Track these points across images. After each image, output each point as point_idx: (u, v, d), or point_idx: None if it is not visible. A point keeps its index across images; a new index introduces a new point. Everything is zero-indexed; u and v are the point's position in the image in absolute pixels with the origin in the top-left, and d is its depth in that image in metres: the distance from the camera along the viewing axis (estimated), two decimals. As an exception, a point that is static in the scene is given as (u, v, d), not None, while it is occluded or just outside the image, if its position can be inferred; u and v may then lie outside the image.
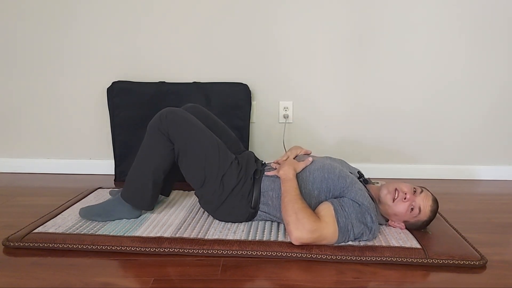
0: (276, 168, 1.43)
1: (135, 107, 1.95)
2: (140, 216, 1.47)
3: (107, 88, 1.96)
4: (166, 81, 1.98)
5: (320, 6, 1.94)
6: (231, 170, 1.38)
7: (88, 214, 1.43)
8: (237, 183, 1.38)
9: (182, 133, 1.37)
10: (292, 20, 1.96)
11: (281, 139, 2.05)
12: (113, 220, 1.43)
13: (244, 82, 1.98)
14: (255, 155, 1.57)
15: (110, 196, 1.66)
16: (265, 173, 1.43)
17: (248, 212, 1.40)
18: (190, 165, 1.40)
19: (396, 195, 1.31)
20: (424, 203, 1.31)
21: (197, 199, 1.53)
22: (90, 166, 2.12)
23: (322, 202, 1.33)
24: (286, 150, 1.95)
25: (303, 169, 1.40)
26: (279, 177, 1.38)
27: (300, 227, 1.21)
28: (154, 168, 1.39)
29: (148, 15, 1.97)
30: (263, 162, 1.54)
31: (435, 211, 1.33)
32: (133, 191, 1.42)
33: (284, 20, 1.96)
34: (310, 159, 1.42)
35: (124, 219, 1.43)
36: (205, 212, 1.52)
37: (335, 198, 1.33)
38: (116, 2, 1.95)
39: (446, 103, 2.05)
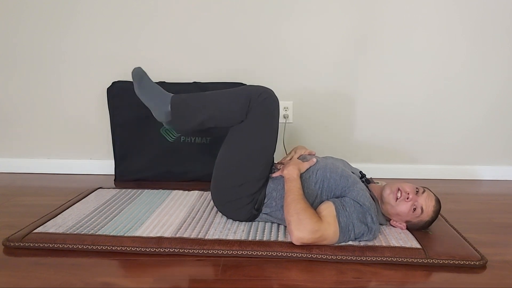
0: (280, 169, 1.43)
1: (135, 107, 1.94)
2: (164, 120, 1.40)
3: (107, 88, 1.96)
4: (166, 81, 1.98)
5: (320, 6, 1.94)
6: (255, 184, 1.38)
7: (137, 75, 1.38)
8: (253, 193, 1.38)
9: (259, 125, 1.35)
10: (293, 20, 1.96)
11: (281, 139, 2.04)
12: (147, 99, 1.38)
13: (243, 82, 1.98)
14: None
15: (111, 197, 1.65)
16: (270, 174, 1.43)
17: (251, 213, 1.40)
18: (234, 148, 1.38)
19: (399, 195, 1.31)
20: (426, 203, 1.31)
21: (199, 198, 1.54)
22: (90, 166, 2.12)
23: (323, 201, 1.33)
24: (286, 150, 1.96)
25: (307, 169, 1.39)
26: (283, 177, 1.39)
27: (302, 227, 1.21)
28: (219, 112, 1.35)
29: (148, 15, 1.96)
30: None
31: (437, 212, 1.33)
32: (185, 107, 1.37)
33: (284, 20, 1.96)
34: (315, 159, 1.42)
35: (125, 217, 1.43)
36: (205, 212, 1.52)
37: (336, 197, 1.33)
38: (116, 2, 1.95)
39: (446, 103, 2.05)
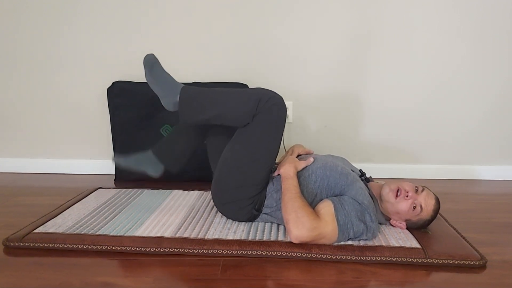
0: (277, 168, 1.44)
1: (135, 107, 1.95)
2: (171, 110, 1.39)
3: (107, 88, 1.96)
4: (166, 81, 1.97)
5: (320, 6, 1.94)
6: (255, 187, 1.38)
7: (149, 62, 1.39)
8: (253, 196, 1.38)
9: (264, 130, 1.34)
10: (293, 20, 1.96)
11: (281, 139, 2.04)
12: (157, 86, 1.38)
13: (244, 82, 1.98)
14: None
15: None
16: (270, 174, 1.43)
17: (251, 214, 1.40)
18: (236, 149, 1.38)
19: (399, 193, 1.31)
20: (426, 201, 1.31)
21: (199, 198, 1.53)
22: (90, 166, 2.12)
23: (322, 200, 1.33)
24: (287, 149, 1.96)
25: (304, 168, 1.40)
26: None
27: (300, 225, 1.21)
28: (227, 112, 1.34)
29: (149, 15, 1.97)
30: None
31: (437, 210, 1.34)
32: (194, 101, 1.36)
33: (284, 20, 1.96)
34: (312, 159, 1.42)
35: (125, 217, 1.43)
36: (205, 212, 1.52)
37: (335, 196, 1.34)
38: (117, 2, 1.95)
39: (446, 103, 2.05)
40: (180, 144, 1.55)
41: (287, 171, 1.35)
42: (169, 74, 1.41)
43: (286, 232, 1.33)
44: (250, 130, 1.34)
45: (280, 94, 1.35)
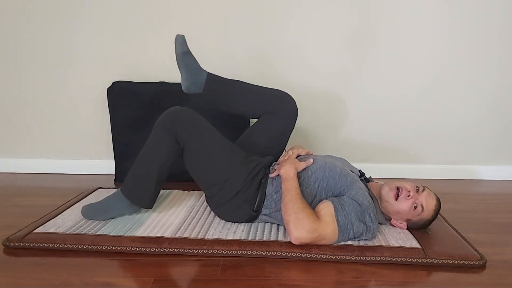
0: (276, 169, 1.43)
1: (135, 107, 1.95)
2: (138, 210, 1.46)
3: (107, 88, 1.96)
4: (166, 81, 1.98)
5: (320, 6, 1.94)
6: (236, 175, 1.37)
7: (88, 213, 1.43)
8: (241, 188, 1.37)
9: (190, 134, 1.36)
10: (292, 20, 1.96)
11: (281, 139, 2.05)
12: (114, 218, 1.43)
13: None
14: (275, 160, 1.56)
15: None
16: (270, 175, 1.43)
17: (249, 215, 1.40)
18: (195, 166, 1.41)
19: (400, 192, 1.31)
20: (427, 201, 1.31)
21: (199, 198, 1.53)
22: (90, 166, 2.12)
23: (322, 200, 1.33)
24: (287, 150, 1.95)
25: (304, 169, 1.39)
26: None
27: (300, 227, 1.21)
28: (159, 165, 1.38)
29: (149, 15, 1.97)
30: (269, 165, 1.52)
31: (438, 210, 1.34)
32: (135, 187, 1.41)
33: (284, 20, 1.96)
34: (311, 160, 1.42)
35: (125, 217, 1.43)
36: (205, 212, 1.52)
37: (335, 196, 1.33)
38: (117, 2, 1.95)
39: (446, 103, 2.05)
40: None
41: (288, 172, 1.35)
42: (101, 199, 1.46)
43: (286, 233, 1.33)
44: (187, 146, 1.37)
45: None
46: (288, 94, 1.54)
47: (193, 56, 1.52)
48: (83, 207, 1.45)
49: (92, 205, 1.45)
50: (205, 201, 1.63)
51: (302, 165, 1.40)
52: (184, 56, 1.49)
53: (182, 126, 1.36)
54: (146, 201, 1.43)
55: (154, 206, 1.55)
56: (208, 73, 1.53)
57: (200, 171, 1.41)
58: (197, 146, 1.37)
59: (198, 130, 1.38)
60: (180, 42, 1.49)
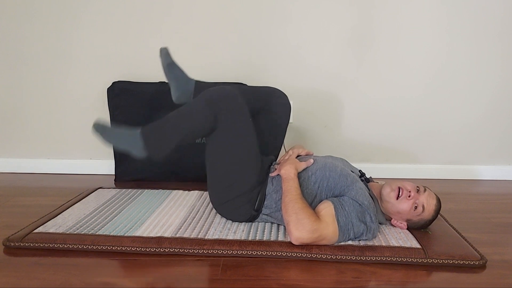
0: (277, 168, 1.43)
1: (135, 107, 1.95)
2: (143, 157, 1.38)
3: (107, 88, 1.96)
4: (166, 81, 1.97)
5: (320, 6, 1.94)
6: (248, 177, 1.37)
7: (99, 129, 1.38)
8: (247, 191, 1.38)
9: (231, 122, 1.34)
10: (292, 20, 1.96)
11: (281, 139, 2.05)
12: (116, 147, 1.39)
13: (243, 82, 1.98)
14: (275, 159, 1.56)
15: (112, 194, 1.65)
16: (270, 174, 1.43)
17: (250, 214, 1.40)
18: (217, 152, 1.38)
19: (400, 193, 1.31)
20: (428, 201, 1.31)
21: (199, 198, 1.52)
22: (90, 166, 2.12)
23: (322, 201, 1.33)
24: (287, 150, 1.95)
25: (304, 169, 1.40)
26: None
27: (300, 227, 1.21)
28: (189, 130, 1.35)
29: (148, 15, 1.97)
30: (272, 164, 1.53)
31: (438, 211, 1.34)
32: (155, 136, 1.36)
33: (284, 20, 1.96)
34: (312, 160, 1.42)
35: (125, 217, 1.43)
36: (205, 212, 1.52)
37: (335, 197, 1.34)
38: (117, 2, 1.95)
39: (446, 103, 2.05)
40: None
41: (288, 172, 1.35)
42: (122, 128, 1.40)
43: (286, 233, 1.33)
44: (218, 131, 1.34)
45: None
46: (279, 89, 1.53)
47: (179, 66, 1.52)
48: (96, 122, 1.39)
49: (107, 125, 1.39)
50: (205, 201, 1.64)
51: (302, 165, 1.39)
52: (170, 67, 1.49)
53: (228, 111, 1.32)
54: (158, 154, 1.37)
55: (154, 206, 1.56)
56: (196, 80, 1.52)
57: (217, 160, 1.39)
58: (230, 138, 1.35)
59: (240, 122, 1.35)
60: (164, 54, 1.49)
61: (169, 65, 1.49)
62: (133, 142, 1.36)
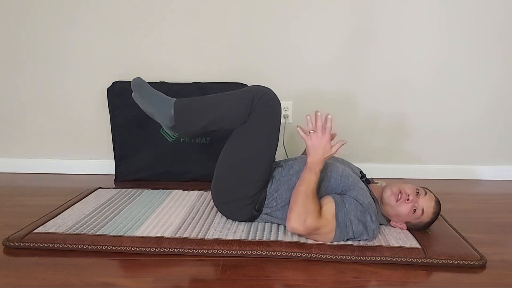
0: (309, 136, 1.32)
1: (135, 107, 1.92)
2: (171, 127, 1.39)
3: (107, 88, 1.96)
4: (166, 81, 1.98)
5: (320, 6, 1.94)
6: (254, 186, 1.38)
7: (138, 85, 1.38)
8: (252, 195, 1.38)
9: (261, 126, 1.34)
10: (292, 20, 1.96)
11: (281, 139, 2.05)
12: (149, 105, 1.37)
13: (244, 82, 1.98)
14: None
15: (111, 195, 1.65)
16: (308, 130, 1.32)
17: (251, 214, 1.40)
18: (234, 149, 1.38)
19: (400, 196, 1.31)
20: (427, 205, 1.31)
21: (199, 198, 1.52)
22: (90, 166, 2.12)
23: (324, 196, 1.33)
24: (286, 150, 1.95)
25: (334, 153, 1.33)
26: (285, 177, 1.39)
27: (301, 221, 1.22)
28: (222, 115, 1.35)
29: (149, 15, 1.97)
30: None
31: (437, 213, 1.33)
32: (188, 110, 1.36)
33: (283, 20, 1.96)
34: (344, 140, 1.33)
35: (125, 217, 1.43)
36: (205, 212, 1.52)
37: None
38: (117, 2, 1.95)
39: (446, 103, 2.05)
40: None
41: (316, 162, 1.28)
42: (159, 92, 1.42)
43: (286, 232, 1.34)
44: (247, 128, 1.35)
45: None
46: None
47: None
48: (136, 78, 1.39)
49: (146, 84, 1.39)
50: (205, 201, 1.64)
51: (334, 150, 1.29)
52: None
53: (263, 109, 1.32)
54: (184, 128, 1.37)
55: (154, 206, 1.56)
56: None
57: (234, 158, 1.38)
58: (253, 140, 1.35)
59: (269, 129, 1.36)
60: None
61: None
62: (165, 108, 1.37)
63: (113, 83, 1.96)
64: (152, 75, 2.00)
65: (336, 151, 1.30)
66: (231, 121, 1.36)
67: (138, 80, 1.41)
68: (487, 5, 1.93)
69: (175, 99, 1.40)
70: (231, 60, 2.01)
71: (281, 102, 1.98)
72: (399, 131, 2.08)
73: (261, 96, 1.33)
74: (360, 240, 1.28)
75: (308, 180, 1.27)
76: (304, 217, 1.22)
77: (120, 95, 1.95)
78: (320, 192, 1.35)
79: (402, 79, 2.02)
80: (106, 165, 2.09)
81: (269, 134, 1.37)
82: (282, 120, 2.03)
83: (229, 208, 1.41)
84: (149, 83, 1.95)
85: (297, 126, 1.36)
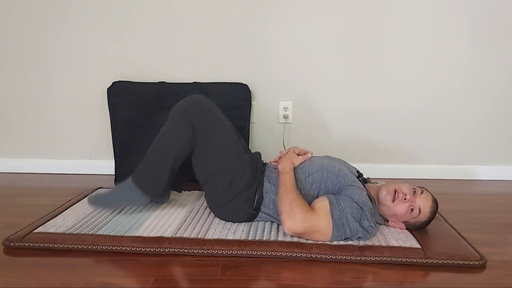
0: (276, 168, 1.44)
1: (135, 107, 1.95)
2: (148, 203, 1.43)
3: (107, 88, 1.96)
4: (166, 81, 1.98)
5: (320, 6, 1.94)
6: (242, 175, 1.39)
7: (96, 201, 1.42)
8: (244, 188, 1.38)
9: (207, 124, 1.37)
10: (292, 20, 1.96)
11: (281, 139, 2.05)
12: (123, 208, 1.42)
13: (244, 82, 1.98)
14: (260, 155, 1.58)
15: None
16: (270, 163, 1.46)
17: (249, 214, 1.40)
18: (204, 159, 1.40)
19: (396, 195, 1.31)
20: (424, 204, 1.31)
21: (199, 198, 1.52)
22: (90, 166, 2.12)
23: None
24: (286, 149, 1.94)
25: (301, 168, 1.40)
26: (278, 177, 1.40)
27: (292, 216, 1.23)
28: (174, 154, 1.36)
29: (149, 15, 1.97)
30: (264, 162, 1.54)
31: (434, 212, 1.33)
32: (147, 175, 1.38)
33: (284, 20, 1.96)
34: (310, 154, 1.46)
35: (125, 217, 1.43)
36: (205, 212, 1.52)
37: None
38: (117, 2, 1.95)
39: (445, 103, 2.05)
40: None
41: (284, 166, 1.39)
42: (111, 189, 1.45)
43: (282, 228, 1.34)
44: (198, 136, 1.36)
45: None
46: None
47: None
48: (89, 196, 1.43)
49: (100, 194, 1.43)
50: (205, 201, 1.63)
51: (299, 159, 1.44)
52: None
53: (200, 116, 1.36)
54: (157, 190, 1.39)
55: (154, 206, 1.56)
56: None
57: (207, 165, 1.40)
58: (210, 140, 1.37)
59: (214, 123, 1.38)
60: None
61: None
62: (130, 193, 1.39)
63: (113, 83, 1.96)
64: (152, 75, 2.01)
65: (302, 159, 1.44)
66: (184, 144, 1.37)
67: (91, 198, 1.44)
68: (487, 5, 1.93)
69: (129, 177, 1.40)
70: (231, 60, 2.01)
71: (281, 102, 2.03)
72: (398, 131, 2.08)
73: (184, 108, 1.36)
74: (358, 238, 1.28)
75: (284, 181, 1.34)
76: (293, 213, 1.23)
77: (120, 95, 1.95)
78: (317, 192, 1.36)
79: (402, 79, 2.02)
80: (106, 165, 2.09)
81: (217, 126, 1.39)
82: (282, 120, 2.04)
83: (227, 210, 1.41)
84: (149, 83, 1.97)
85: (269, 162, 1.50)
